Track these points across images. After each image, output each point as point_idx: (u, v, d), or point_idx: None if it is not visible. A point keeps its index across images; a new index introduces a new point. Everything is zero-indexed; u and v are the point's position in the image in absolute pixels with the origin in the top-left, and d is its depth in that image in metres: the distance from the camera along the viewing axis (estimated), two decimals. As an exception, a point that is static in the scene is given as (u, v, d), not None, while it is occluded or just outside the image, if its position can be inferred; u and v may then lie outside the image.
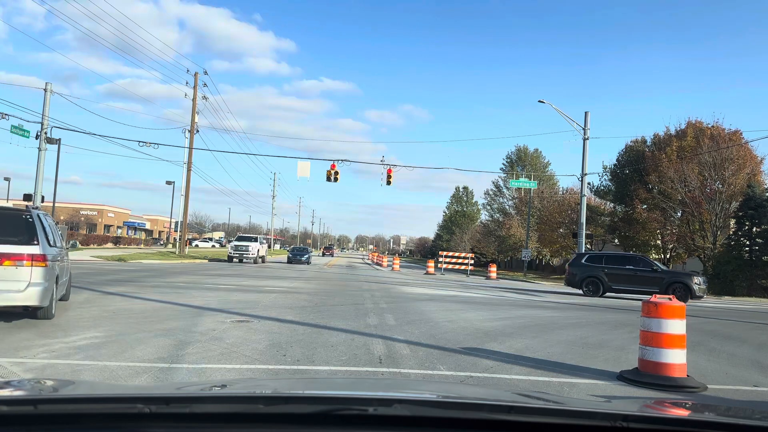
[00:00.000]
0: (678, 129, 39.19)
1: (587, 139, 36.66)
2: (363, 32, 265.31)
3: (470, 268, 40.29)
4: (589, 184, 41.48)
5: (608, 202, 48.65)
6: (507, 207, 69.28)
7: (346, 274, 31.19)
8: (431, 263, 40.16)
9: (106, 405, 1.50)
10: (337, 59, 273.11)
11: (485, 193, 74.46)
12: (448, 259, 40.74)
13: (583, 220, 36.78)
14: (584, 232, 36.58)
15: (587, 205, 38.84)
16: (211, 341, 8.00)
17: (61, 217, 78.41)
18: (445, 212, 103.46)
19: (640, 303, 6.89)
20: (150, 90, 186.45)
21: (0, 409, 1.41)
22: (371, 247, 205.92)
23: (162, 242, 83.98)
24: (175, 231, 57.75)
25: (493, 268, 37.56)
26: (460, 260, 41.03)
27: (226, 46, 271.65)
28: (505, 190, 69.51)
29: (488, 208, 74.75)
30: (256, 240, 40.88)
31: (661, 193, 36.20)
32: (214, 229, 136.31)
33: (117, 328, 8.74)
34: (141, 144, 35.28)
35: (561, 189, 59.92)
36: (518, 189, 49.33)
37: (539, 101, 36.71)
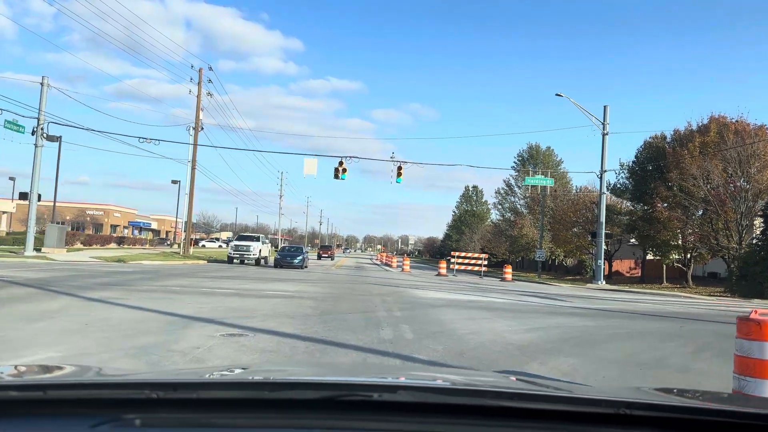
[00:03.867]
0: (700, 124, 37.57)
1: (607, 134, 35.14)
2: (370, 31, 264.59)
3: (484, 269, 38.74)
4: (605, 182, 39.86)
5: (625, 201, 46.99)
6: (519, 206, 67.65)
7: (355, 276, 29.72)
8: (443, 264, 38.51)
9: (114, 390, 1.53)
10: (345, 58, 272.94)
11: (496, 192, 72.87)
12: (460, 260, 39.26)
13: (603, 219, 35.23)
14: (603, 231, 35.05)
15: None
16: (191, 363, 6.55)
17: (67, 217, 77.53)
18: (454, 212, 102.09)
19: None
20: (158, 90, 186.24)
21: (9, 394, 1.44)
22: (379, 247, 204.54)
23: (168, 242, 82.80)
24: (182, 231, 56.56)
25: (509, 270, 36.04)
26: (472, 261, 39.55)
27: (233, 45, 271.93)
28: (516, 189, 67.81)
29: (499, 207, 73.14)
30: (257, 239, 39.03)
31: (683, 190, 34.53)
32: (222, 229, 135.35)
33: (81, 345, 7.30)
34: (141, 140, 34.37)
35: (574, 187, 58.30)
36: (530, 188, 47.77)
37: (557, 95, 35.44)
